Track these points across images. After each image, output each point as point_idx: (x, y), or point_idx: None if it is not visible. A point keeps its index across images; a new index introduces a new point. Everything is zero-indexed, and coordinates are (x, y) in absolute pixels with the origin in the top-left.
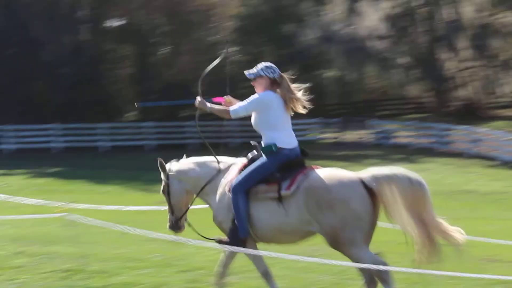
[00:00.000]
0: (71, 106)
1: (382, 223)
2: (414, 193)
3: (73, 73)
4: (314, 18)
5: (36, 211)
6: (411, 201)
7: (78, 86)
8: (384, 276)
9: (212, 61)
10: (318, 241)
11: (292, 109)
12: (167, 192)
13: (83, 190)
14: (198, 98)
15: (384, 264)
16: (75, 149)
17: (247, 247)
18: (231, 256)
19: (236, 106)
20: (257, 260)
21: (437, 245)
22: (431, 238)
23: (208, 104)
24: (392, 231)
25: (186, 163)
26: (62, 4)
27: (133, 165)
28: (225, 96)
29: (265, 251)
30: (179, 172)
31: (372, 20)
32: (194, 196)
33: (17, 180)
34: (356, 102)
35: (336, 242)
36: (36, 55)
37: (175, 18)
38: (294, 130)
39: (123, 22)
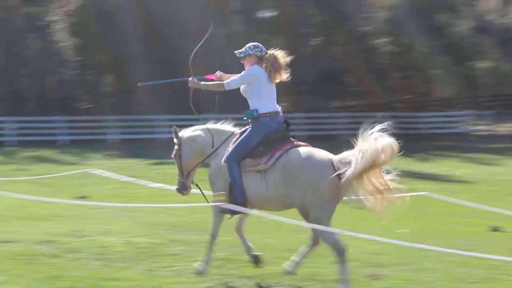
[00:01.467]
0: (224, 96)
1: None
2: (378, 157)
3: (224, 64)
4: (468, 8)
5: (190, 199)
6: (372, 165)
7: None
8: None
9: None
10: (471, 235)
11: (278, 79)
12: (178, 156)
13: None
14: (190, 78)
15: (344, 246)
16: None
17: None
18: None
19: (229, 80)
20: (216, 224)
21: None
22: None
23: (202, 82)
24: None
25: (195, 130)
26: None
27: None
28: (216, 73)
29: (420, 244)
30: (189, 138)
31: None
32: (201, 159)
33: (170, 169)
34: (510, 94)
35: (306, 217)
36: (189, 46)
37: (327, 9)
38: (446, 122)
39: (275, 13)
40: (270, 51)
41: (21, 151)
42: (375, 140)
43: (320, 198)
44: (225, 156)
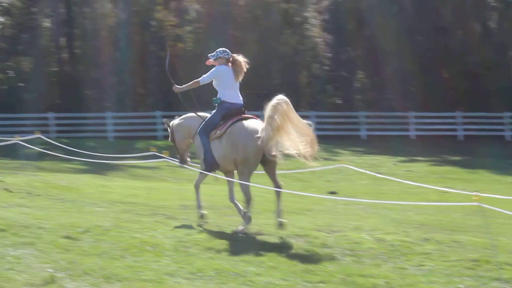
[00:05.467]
0: (475, 93)
1: None
2: (284, 111)
3: (479, 60)
4: None
5: (440, 198)
6: (286, 118)
7: (484, 73)
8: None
9: None
10: None
11: (240, 76)
12: (173, 140)
13: (486, 179)
14: (174, 86)
15: (251, 196)
16: (479, 138)
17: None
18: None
19: (201, 78)
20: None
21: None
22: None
23: (183, 86)
24: None
25: (182, 118)
26: None
27: None
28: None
29: None
30: (178, 125)
31: None
32: (190, 140)
33: (419, 167)
34: None
35: (237, 169)
36: (443, 42)
37: None
38: None
39: None
40: (234, 55)
41: None
42: (270, 105)
43: (245, 157)
44: (198, 130)
